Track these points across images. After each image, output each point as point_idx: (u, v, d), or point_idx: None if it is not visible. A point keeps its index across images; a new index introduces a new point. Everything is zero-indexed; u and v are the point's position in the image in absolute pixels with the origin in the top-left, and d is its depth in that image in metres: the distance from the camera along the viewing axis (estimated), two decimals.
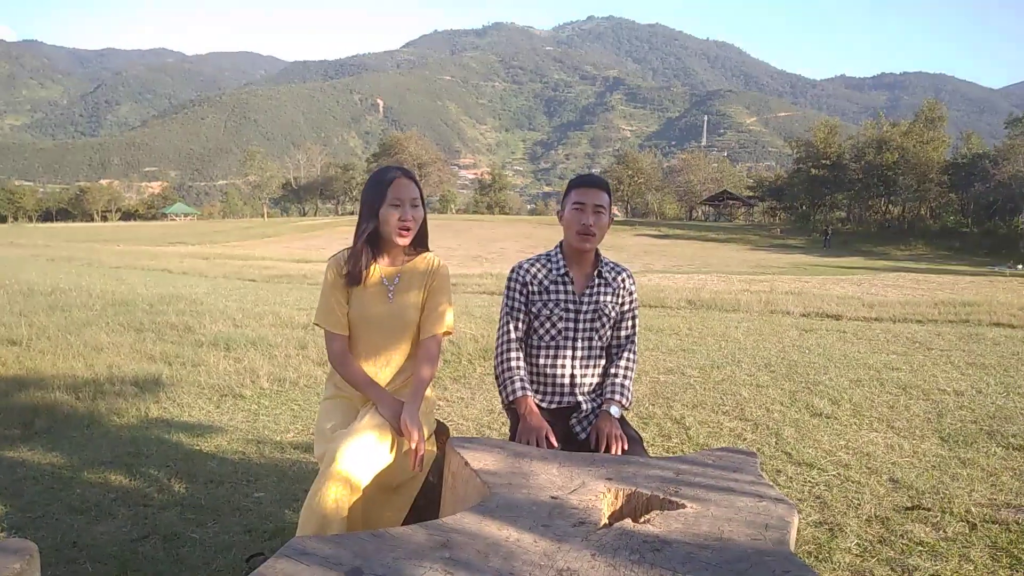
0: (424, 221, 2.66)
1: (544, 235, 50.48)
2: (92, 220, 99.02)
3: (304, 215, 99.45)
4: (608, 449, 2.48)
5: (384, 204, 2.53)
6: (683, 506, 1.90)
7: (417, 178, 2.65)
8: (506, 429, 4.52)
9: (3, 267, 16.06)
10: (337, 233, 52.32)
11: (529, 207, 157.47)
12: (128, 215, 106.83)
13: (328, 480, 2.17)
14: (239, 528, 3.07)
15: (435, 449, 2.59)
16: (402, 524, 2.45)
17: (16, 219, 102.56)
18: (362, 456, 2.25)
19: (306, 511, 2.17)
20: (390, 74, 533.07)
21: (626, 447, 2.49)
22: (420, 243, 2.70)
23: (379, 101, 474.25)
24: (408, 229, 2.54)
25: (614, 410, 2.66)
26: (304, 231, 55.48)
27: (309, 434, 4.44)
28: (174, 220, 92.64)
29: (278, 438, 4.37)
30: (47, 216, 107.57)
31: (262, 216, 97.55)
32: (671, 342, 7.68)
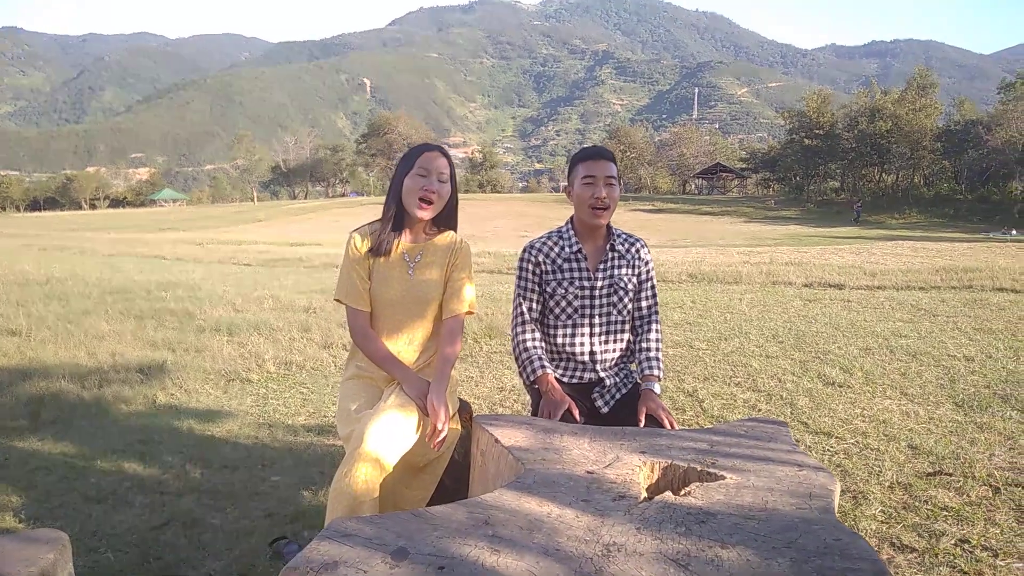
0: (453, 202, 2.60)
1: (537, 212, 50.50)
2: (80, 208, 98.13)
3: (294, 198, 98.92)
4: (659, 425, 2.44)
5: (411, 173, 2.48)
6: (722, 477, 1.87)
7: (450, 156, 2.60)
8: (519, 406, 4.52)
9: None
10: (329, 215, 52.10)
11: (521, 185, 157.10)
12: (116, 202, 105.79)
13: (357, 461, 2.12)
14: (259, 512, 3.03)
15: (459, 428, 2.55)
16: (428, 503, 2.42)
17: (4, 209, 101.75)
18: (390, 436, 2.21)
19: (335, 492, 2.12)
20: (376, 53, 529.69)
21: (675, 424, 2.46)
22: (447, 224, 2.65)
23: (366, 81, 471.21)
24: (430, 202, 2.47)
25: (656, 388, 2.63)
26: (296, 214, 55.19)
27: (320, 417, 4.41)
28: (163, 206, 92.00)
29: (290, 421, 4.33)
30: (35, 205, 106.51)
31: (252, 200, 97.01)
32: (676, 315, 7.64)
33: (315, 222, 46.97)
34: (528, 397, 4.61)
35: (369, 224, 2.61)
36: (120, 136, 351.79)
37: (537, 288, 2.75)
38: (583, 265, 2.71)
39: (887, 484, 3.24)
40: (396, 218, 2.54)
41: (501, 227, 38.70)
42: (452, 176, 2.54)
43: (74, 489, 3.28)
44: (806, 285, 10.12)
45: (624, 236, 2.82)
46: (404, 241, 2.57)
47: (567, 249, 2.73)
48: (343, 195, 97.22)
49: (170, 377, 5.21)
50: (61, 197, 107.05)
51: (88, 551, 2.68)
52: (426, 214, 2.49)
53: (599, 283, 2.71)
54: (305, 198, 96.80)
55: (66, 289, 9.16)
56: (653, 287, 2.84)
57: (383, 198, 2.64)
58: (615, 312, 2.74)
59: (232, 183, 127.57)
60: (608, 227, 2.78)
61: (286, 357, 5.76)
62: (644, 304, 2.81)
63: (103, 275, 10.97)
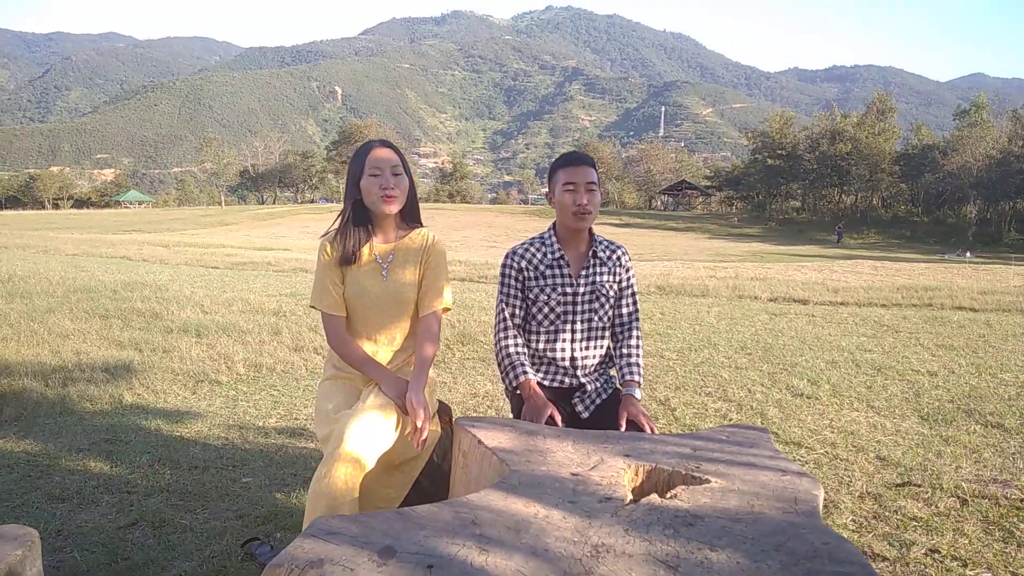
0: (412, 192, 2.58)
1: (506, 223, 50.63)
2: (43, 208, 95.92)
3: (262, 203, 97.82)
4: (640, 430, 2.45)
5: (364, 175, 2.46)
6: (707, 481, 1.88)
7: (398, 148, 2.58)
8: (492, 412, 4.50)
9: None
10: (298, 221, 51.68)
11: (490, 196, 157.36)
12: (80, 203, 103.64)
13: (337, 461, 2.10)
14: (230, 514, 2.98)
15: (439, 429, 2.54)
16: (404, 503, 2.40)
17: None
18: (369, 436, 2.20)
19: (314, 493, 2.10)
20: (348, 61, 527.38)
21: (655, 429, 2.46)
22: (412, 217, 2.63)
23: (337, 89, 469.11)
24: (392, 197, 2.46)
25: (637, 393, 2.64)
26: (263, 219, 54.66)
27: (292, 419, 4.35)
28: (128, 208, 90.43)
29: (260, 423, 4.26)
30: None
31: (219, 204, 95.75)
32: (646, 326, 7.70)
33: (284, 227, 46.56)
34: (503, 403, 4.61)
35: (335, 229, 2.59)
36: (86, 136, 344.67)
37: (520, 294, 2.74)
38: (565, 271, 2.71)
39: (857, 494, 3.28)
40: (361, 220, 2.52)
41: (470, 237, 38.70)
42: (405, 167, 2.53)
43: (37, 488, 3.19)
44: (771, 300, 10.25)
45: (606, 243, 2.83)
46: (376, 243, 2.55)
47: (549, 255, 2.73)
48: (312, 201, 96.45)
49: (137, 377, 5.10)
50: (24, 196, 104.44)
51: (53, 550, 2.61)
52: (393, 208, 2.48)
53: (581, 289, 2.71)
54: (274, 203, 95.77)
55: (29, 287, 8.94)
56: (634, 294, 2.85)
57: None
58: (596, 318, 2.75)
59: (199, 187, 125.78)
60: (590, 233, 2.79)
61: (256, 359, 5.68)
62: (625, 311, 2.82)
63: (67, 274, 10.73)
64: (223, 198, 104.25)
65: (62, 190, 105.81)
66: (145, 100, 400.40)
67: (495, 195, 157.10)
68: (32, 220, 54.27)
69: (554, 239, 2.75)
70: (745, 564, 1.44)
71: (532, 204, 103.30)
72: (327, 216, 50.36)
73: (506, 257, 2.78)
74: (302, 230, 42.58)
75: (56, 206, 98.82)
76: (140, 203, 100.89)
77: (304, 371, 5.54)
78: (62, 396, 4.63)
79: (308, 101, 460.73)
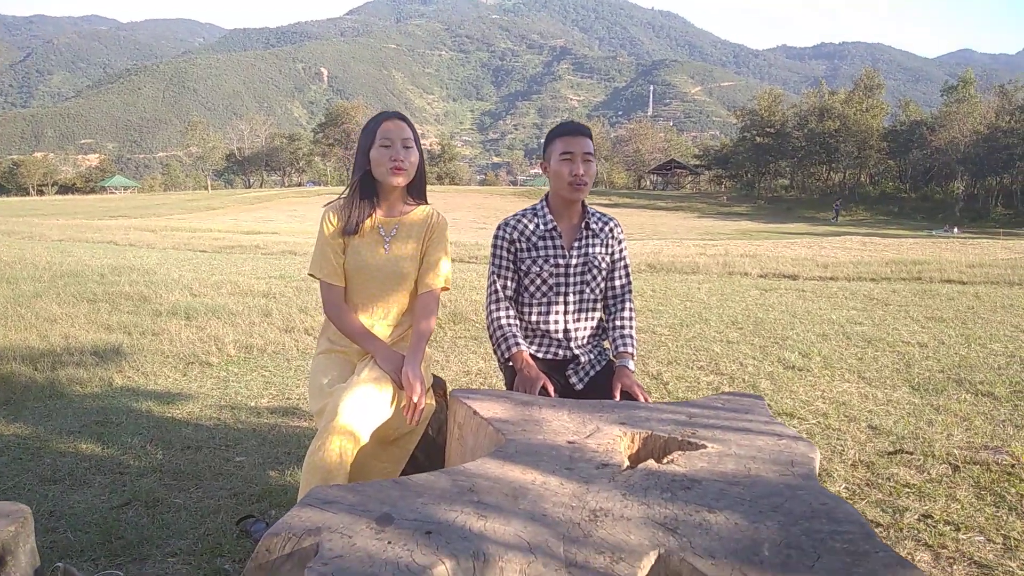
0: (421, 167, 2.56)
1: (495, 205, 50.50)
2: (28, 194, 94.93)
3: (249, 187, 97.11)
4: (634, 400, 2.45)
5: (375, 146, 2.44)
6: (703, 447, 1.88)
7: (410, 120, 2.56)
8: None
9: None
10: (286, 204, 51.41)
11: (479, 178, 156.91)
12: (65, 188, 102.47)
13: (332, 434, 2.09)
14: (224, 492, 2.97)
15: (434, 403, 2.53)
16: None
17: None
18: (364, 409, 2.18)
19: (309, 466, 2.09)
20: (334, 42, 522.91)
21: (649, 399, 2.46)
22: (418, 192, 2.62)
23: (323, 70, 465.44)
24: (401, 169, 2.44)
25: (631, 364, 2.63)
26: (251, 203, 54.30)
27: (284, 399, 4.34)
28: (113, 193, 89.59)
29: (252, 403, 4.24)
30: None
31: (206, 188, 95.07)
32: (638, 303, 7.70)
33: (271, 211, 46.30)
34: (496, 380, 4.61)
35: (342, 198, 2.57)
36: (69, 121, 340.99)
37: (512, 266, 2.73)
38: (558, 243, 2.70)
39: (850, 462, 3.30)
40: (367, 192, 2.50)
41: (460, 218, 38.57)
42: (416, 141, 2.50)
43: (29, 470, 3.17)
44: (761, 276, 10.28)
45: (598, 215, 2.82)
46: (379, 215, 2.53)
47: (542, 227, 2.71)
48: (299, 184, 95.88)
49: (127, 360, 5.07)
50: (7, 183, 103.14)
51: (47, 531, 2.59)
52: (401, 180, 2.46)
53: (574, 261, 2.70)
54: (260, 187, 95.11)
55: (15, 273, 8.85)
56: (626, 266, 2.84)
57: (341, 188, 2.60)
58: (588, 290, 2.74)
59: (185, 171, 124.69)
60: (583, 205, 2.78)
61: (246, 341, 5.65)
62: (617, 283, 2.81)
63: (53, 259, 10.63)
64: (209, 182, 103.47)
65: (46, 176, 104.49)
66: (129, 84, 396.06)
67: (484, 176, 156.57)
68: (16, 206, 53.67)
69: (546, 210, 2.74)
70: (743, 525, 1.44)
71: (521, 185, 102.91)
72: (315, 200, 50.15)
73: (498, 228, 2.76)
74: (290, 214, 42.36)
75: (40, 192, 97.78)
76: (126, 188, 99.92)
77: (295, 352, 5.52)
78: (51, 379, 4.60)
79: (294, 83, 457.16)
